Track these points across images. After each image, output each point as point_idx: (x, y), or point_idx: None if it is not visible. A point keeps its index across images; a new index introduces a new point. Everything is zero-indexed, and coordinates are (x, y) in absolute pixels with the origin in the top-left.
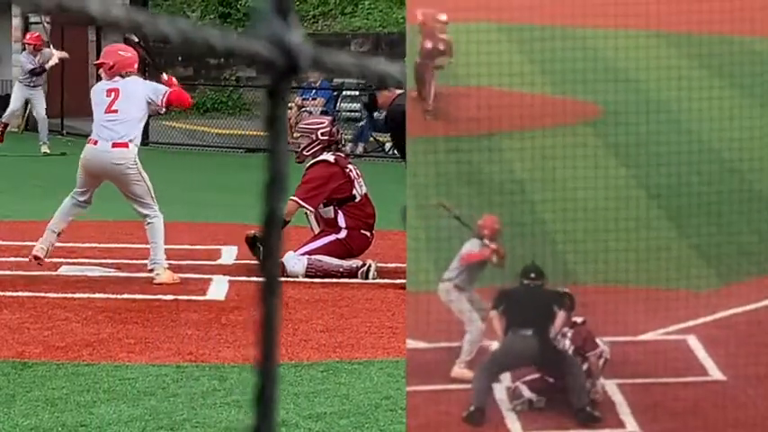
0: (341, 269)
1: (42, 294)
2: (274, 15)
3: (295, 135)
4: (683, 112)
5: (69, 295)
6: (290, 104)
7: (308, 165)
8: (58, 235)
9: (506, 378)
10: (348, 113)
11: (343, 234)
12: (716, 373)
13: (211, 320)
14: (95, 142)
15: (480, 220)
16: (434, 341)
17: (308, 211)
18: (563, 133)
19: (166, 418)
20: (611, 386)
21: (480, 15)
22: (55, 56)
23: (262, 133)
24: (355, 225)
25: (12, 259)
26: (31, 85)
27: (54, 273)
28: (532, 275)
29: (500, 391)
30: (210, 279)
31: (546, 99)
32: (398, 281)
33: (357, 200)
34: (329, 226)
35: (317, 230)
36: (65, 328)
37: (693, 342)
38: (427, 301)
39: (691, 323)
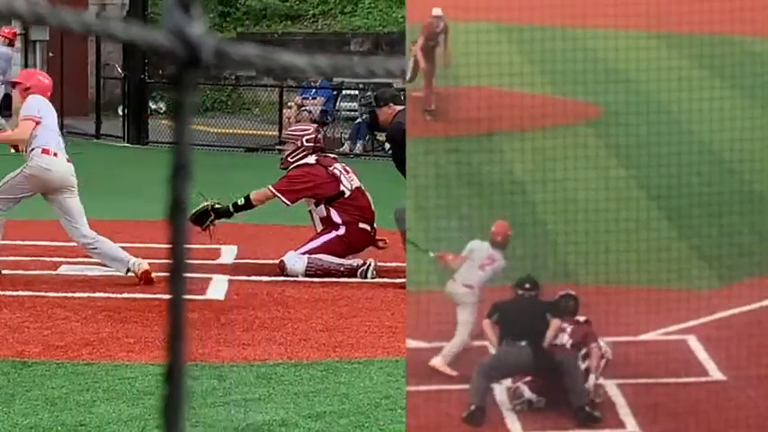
0: (341, 268)
1: (42, 293)
2: (176, 8)
3: (282, 139)
4: (683, 112)
5: (69, 294)
6: (289, 103)
7: (291, 166)
8: None
9: (506, 378)
10: (348, 113)
11: (342, 231)
12: (716, 374)
13: (211, 320)
14: (56, 154)
15: (493, 227)
16: (434, 341)
17: (286, 204)
18: (563, 134)
19: None
20: (611, 386)
21: (480, 15)
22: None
23: (262, 133)
24: (351, 219)
25: (11, 259)
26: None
27: (54, 272)
28: (527, 286)
29: (500, 391)
30: (210, 278)
31: (546, 99)
32: (398, 280)
33: (347, 195)
34: (328, 224)
35: (319, 230)
36: (64, 327)
37: (693, 342)
38: (427, 301)
39: (691, 323)
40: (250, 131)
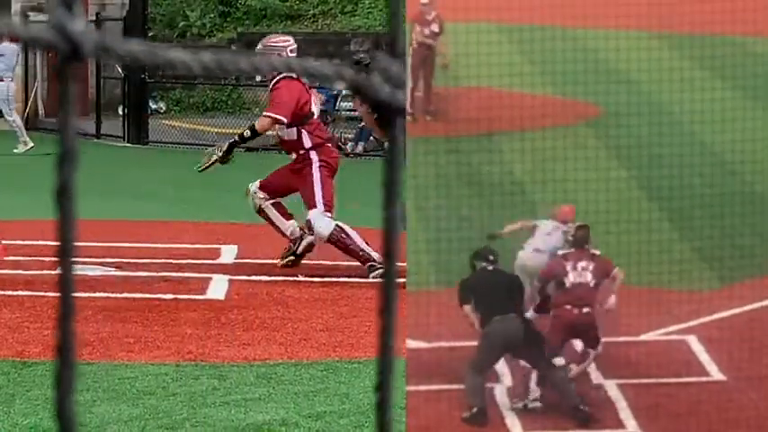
0: (360, 251)
1: (42, 294)
2: (59, 6)
3: (258, 50)
4: (684, 113)
5: None
6: None
7: (271, 85)
8: None
9: (507, 378)
10: (348, 113)
11: (314, 156)
12: (716, 374)
13: (211, 320)
14: None
15: (558, 209)
16: (434, 341)
17: (283, 123)
18: (563, 134)
19: (166, 417)
20: (611, 386)
21: (480, 16)
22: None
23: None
24: (320, 142)
25: (11, 259)
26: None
27: (54, 272)
28: (491, 258)
29: (500, 391)
30: (210, 278)
31: (546, 100)
32: (398, 280)
33: (315, 116)
34: (294, 149)
35: (283, 227)
36: None
37: (694, 343)
38: (427, 301)
39: (691, 324)
40: None
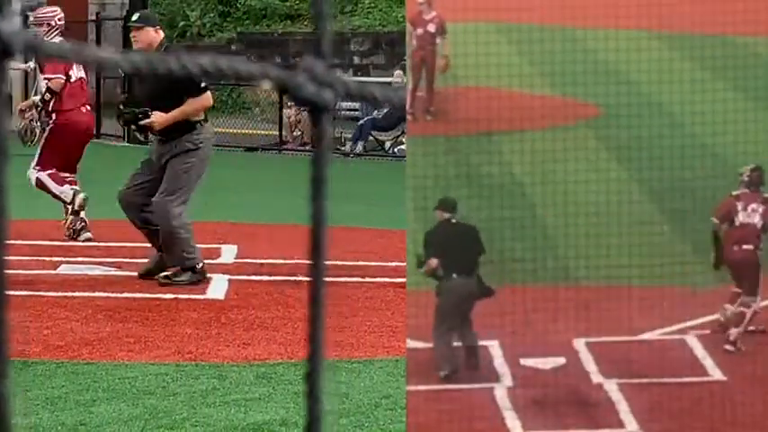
0: (58, 194)
1: (42, 293)
2: None
3: (30, 22)
4: (684, 114)
5: (69, 294)
6: (289, 103)
7: None
8: None
9: (507, 378)
10: (348, 112)
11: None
12: (716, 373)
13: (211, 319)
14: None
15: None
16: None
17: (61, 82)
18: (563, 134)
19: (166, 417)
20: (611, 386)
21: (480, 16)
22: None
23: (262, 132)
24: (74, 106)
25: (11, 259)
26: None
27: (53, 272)
28: (452, 207)
29: (500, 391)
30: (210, 278)
31: (545, 100)
32: (398, 280)
33: (72, 80)
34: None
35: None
36: (64, 327)
37: (693, 342)
38: (427, 301)
39: (690, 323)
40: (250, 131)
